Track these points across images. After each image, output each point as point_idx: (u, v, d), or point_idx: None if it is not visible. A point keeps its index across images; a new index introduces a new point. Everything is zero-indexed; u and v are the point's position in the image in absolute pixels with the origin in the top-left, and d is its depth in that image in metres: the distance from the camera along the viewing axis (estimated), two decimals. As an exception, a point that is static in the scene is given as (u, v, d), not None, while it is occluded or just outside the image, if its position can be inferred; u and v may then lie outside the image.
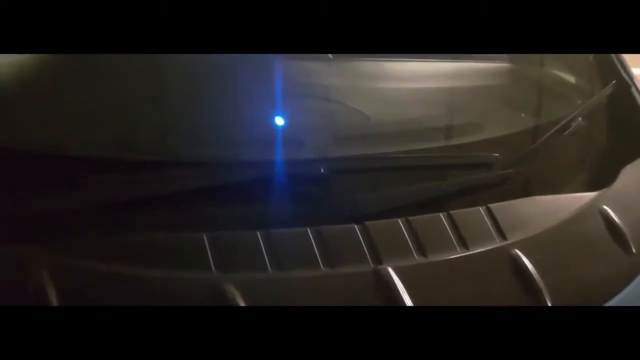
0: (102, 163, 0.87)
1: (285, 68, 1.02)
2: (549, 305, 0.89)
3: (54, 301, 0.72)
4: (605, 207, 1.09)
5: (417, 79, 1.24)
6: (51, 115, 0.89)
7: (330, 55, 1.10)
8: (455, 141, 1.16)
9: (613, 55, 1.39)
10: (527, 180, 1.16)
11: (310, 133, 1.01)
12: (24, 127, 0.88)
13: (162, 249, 0.81)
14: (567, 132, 1.20)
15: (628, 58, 1.39)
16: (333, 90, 1.11)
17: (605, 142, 1.34)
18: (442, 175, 1.08)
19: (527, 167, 1.15)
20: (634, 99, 1.36)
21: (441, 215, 0.96)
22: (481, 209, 0.99)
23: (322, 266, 0.85)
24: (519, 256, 0.94)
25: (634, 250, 1.05)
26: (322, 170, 0.95)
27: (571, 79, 1.42)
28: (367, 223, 0.91)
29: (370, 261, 0.87)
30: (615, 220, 1.07)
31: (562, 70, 1.41)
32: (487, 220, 0.98)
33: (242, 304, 0.77)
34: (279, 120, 0.99)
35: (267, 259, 0.83)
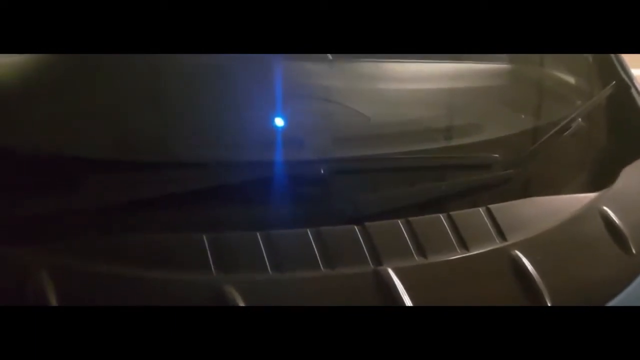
0: (102, 164, 0.87)
1: (286, 69, 1.02)
2: (549, 306, 0.89)
3: (53, 301, 0.72)
4: (605, 207, 1.09)
5: (417, 80, 1.24)
6: (51, 116, 0.89)
7: (329, 56, 1.10)
8: (455, 142, 1.16)
9: (613, 56, 1.39)
10: (527, 181, 1.15)
11: (310, 134, 1.01)
12: (23, 128, 0.88)
13: (162, 249, 0.81)
14: (567, 133, 1.20)
15: (627, 59, 1.39)
16: (333, 91, 1.11)
17: (605, 143, 1.34)
18: (442, 176, 1.08)
19: (527, 168, 1.15)
20: (633, 99, 1.36)
21: (441, 216, 0.96)
22: (481, 210, 0.99)
23: (322, 267, 0.85)
24: (519, 257, 0.94)
25: (634, 251, 1.05)
26: (322, 171, 0.95)
27: (571, 80, 1.42)
28: (367, 224, 0.91)
29: (370, 262, 0.87)
30: (615, 221, 1.07)
31: (562, 71, 1.41)
32: (487, 221, 0.98)
33: (242, 304, 0.77)
34: (279, 121, 0.99)
35: (267, 260, 0.83)
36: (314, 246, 0.86)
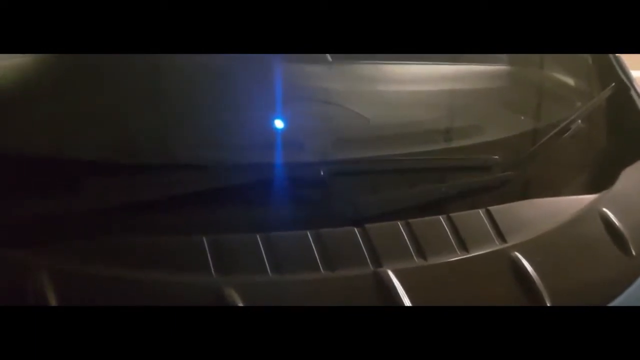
0: (102, 166, 0.87)
1: (286, 71, 1.02)
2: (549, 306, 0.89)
3: (53, 302, 0.72)
4: (605, 209, 1.09)
5: (417, 81, 1.24)
6: (51, 117, 0.89)
7: (329, 58, 1.10)
8: (455, 144, 1.16)
9: (612, 58, 1.39)
10: (526, 182, 1.15)
11: (310, 136, 1.01)
12: (23, 130, 0.88)
13: (162, 251, 0.81)
14: (566, 134, 1.20)
15: (627, 60, 1.39)
16: (333, 93, 1.11)
17: (605, 144, 1.34)
18: (442, 178, 1.08)
19: (527, 170, 1.15)
20: (633, 101, 1.36)
21: (441, 217, 0.96)
22: (481, 212, 0.99)
23: (322, 269, 0.85)
24: (518, 259, 0.94)
25: (633, 253, 1.04)
26: (322, 173, 0.95)
27: (570, 81, 1.42)
28: (367, 226, 0.91)
29: (370, 264, 0.87)
30: (615, 223, 1.07)
31: (562, 73, 1.41)
32: (487, 223, 0.98)
33: (241, 306, 0.77)
34: (279, 123, 0.99)
35: (267, 262, 0.83)
36: (314, 248, 0.86)
